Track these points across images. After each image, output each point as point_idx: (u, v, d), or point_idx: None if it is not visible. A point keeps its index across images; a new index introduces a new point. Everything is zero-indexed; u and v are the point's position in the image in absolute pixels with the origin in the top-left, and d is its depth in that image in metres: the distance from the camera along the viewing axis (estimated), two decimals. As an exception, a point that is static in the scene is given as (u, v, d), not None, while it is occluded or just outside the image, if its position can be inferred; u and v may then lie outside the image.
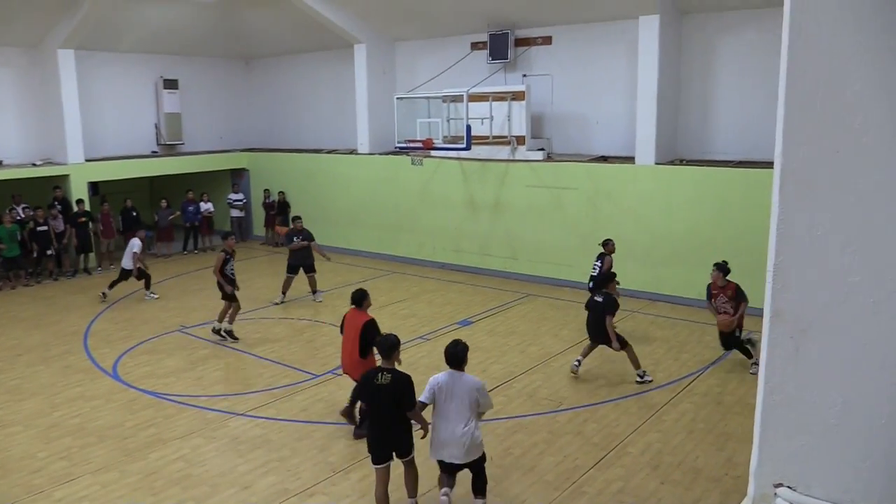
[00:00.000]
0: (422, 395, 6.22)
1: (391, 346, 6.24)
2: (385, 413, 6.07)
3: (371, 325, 7.78)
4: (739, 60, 12.74)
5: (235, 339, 11.31)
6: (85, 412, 8.75)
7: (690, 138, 13.54)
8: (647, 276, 13.17)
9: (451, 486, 6.34)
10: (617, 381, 9.46)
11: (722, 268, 9.59)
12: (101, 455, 7.62)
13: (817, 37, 2.34)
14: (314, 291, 13.86)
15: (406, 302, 13.48)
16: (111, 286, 13.95)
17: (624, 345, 9.25)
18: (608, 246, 11.44)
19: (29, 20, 15.64)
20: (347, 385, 9.41)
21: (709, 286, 9.77)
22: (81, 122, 16.78)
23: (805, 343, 2.48)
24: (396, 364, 6.36)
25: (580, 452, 7.51)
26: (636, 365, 9.32)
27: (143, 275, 14.11)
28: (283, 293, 13.66)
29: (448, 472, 6.31)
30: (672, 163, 13.13)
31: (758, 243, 11.49)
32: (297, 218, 14.21)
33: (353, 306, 8.07)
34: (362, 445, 7.67)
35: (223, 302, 11.49)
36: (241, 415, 8.59)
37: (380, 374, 6.08)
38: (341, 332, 8.22)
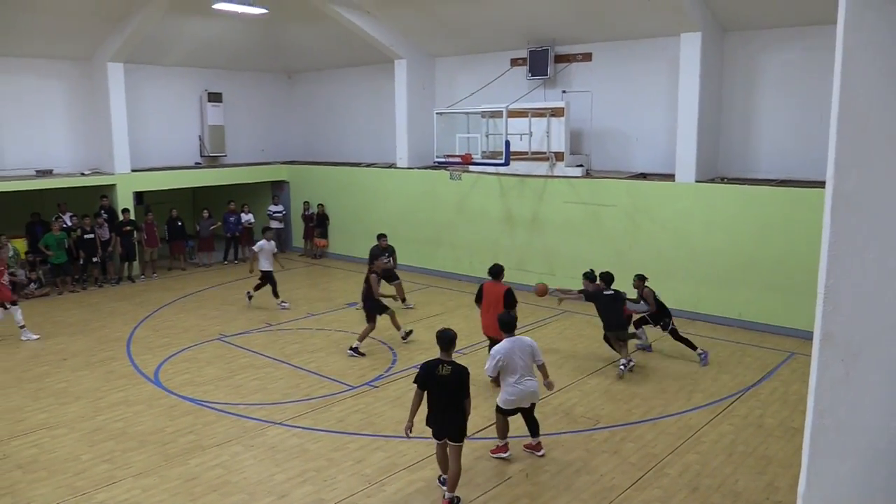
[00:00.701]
0: (488, 369, 7.52)
1: (450, 340, 6.82)
2: (445, 400, 6.70)
3: (510, 293, 9.74)
4: (783, 78, 12.59)
5: (362, 354, 11.29)
6: (127, 417, 8.93)
7: (732, 156, 13.40)
8: (686, 294, 13.02)
9: None
10: (655, 400, 9.35)
11: (589, 276, 11.30)
12: (141, 459, 7.77)
13: (870, 60, 2.33)
14: (403, 300, 14.05)
15: (442, 316, 13.50)
16: (256, 289, 14.20)
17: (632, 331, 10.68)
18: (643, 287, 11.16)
19: (81, 35, 16.15)
20: (383, 397, 9.47)
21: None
22: (128, 134, 17.21)
23: (856, 367, 2.45)
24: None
25: (617, 472, 7.44)
26: (625, 354, 10.32)
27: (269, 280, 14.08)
28: (403, 300, 14.07)
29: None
30: (713, 181, 12.99)
31: (802, 263, 11.34)
32: (382, 235, 14.12)
33: (492, 279, 10.12)
34: (398, 458, 7.73)
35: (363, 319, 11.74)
36: (279, 424, 8.68)
37: (441, 366, 6.69)
38: (478, 302, 10.10)
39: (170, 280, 17.16)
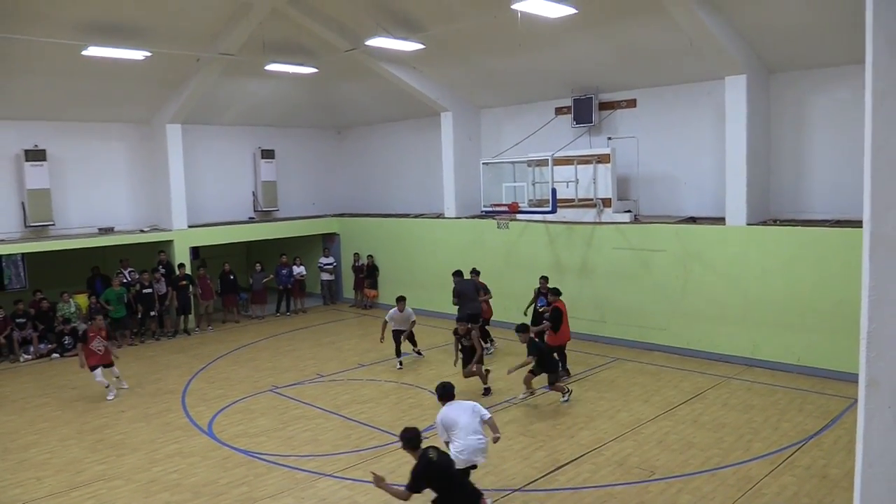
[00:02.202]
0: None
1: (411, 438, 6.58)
2: (456, 483, 6.62)
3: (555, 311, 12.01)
4: (832, 117, 12.39)
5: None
6: (182, 468, 9.06)
7: (783, 198, 13.16)
8: (742, 340, 12.69)
9: None
10: (712, 450, 9.07)
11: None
12: (195, 512, 7.85)
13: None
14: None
15: (493, 365, 13.41)
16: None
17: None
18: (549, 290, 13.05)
19: (142, 99, 16.95)
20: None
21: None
22: (185, 191, 17.85)
23: (905, 413, 2.37)
24: None
25: (673, 525, 7.20)
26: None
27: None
28: (491, 341, 14.52)
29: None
30: (765, 223, 12.76)
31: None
32: (474, 271, 14.91)
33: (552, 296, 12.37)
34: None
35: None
36: (330, 475, 8.69)
37: (431, 451, 6.53)
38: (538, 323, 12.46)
39: (224, 333, 17.51)
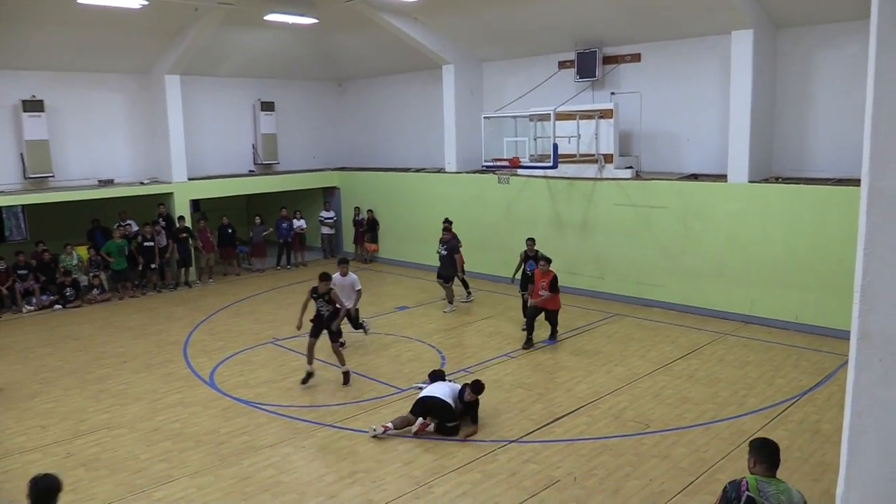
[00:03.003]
0: None
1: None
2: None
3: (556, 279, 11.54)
4: (840, 74, 12.23)
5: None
6: (184, 418, 9.20)
7: (786, 156, 13.08)
8: (740, 297, 12.76)
9: None
10: (707, 404, 9.19)
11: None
12: (197, 459, 7.99)
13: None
14: (449, 302, 14.34)
15: (491, 319, 13.52)
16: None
17: None
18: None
19: (139, 49, 16.72)
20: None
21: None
22: (185, 143, 17.73)
23: (895, 366, 2.39)
24: None
25: (667, 477, 7.34)
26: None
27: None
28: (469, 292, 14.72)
29: None
30: (767, 181, 12.70)
31: (860, 265, 10.98)
32: (445, 223, 14.73)
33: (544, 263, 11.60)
34: (447, 460, 7.78)
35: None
36: (329, 426, 8.82)
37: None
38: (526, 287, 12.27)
39: (224, 285, 17.59)
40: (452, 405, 8.47)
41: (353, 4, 15.45)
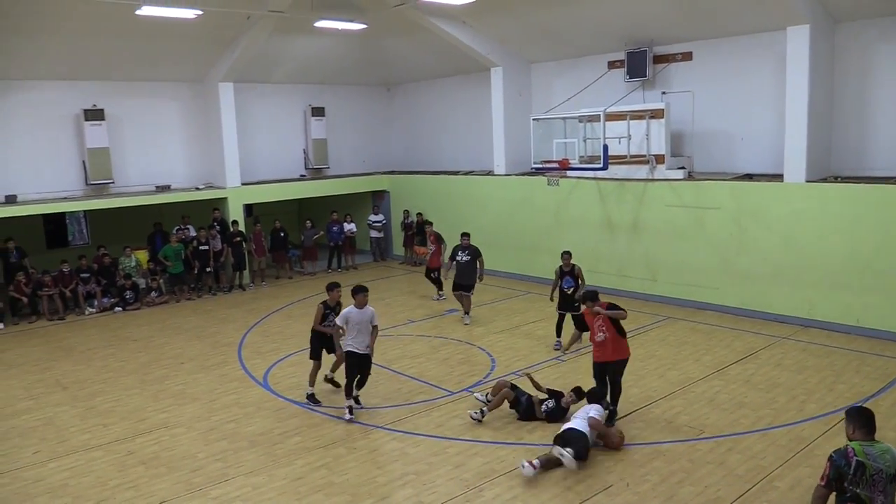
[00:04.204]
0: None
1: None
2: None
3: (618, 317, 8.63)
4: (902, 69, 11.82)
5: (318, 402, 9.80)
6: (239, 418, 9.38)
7: (846, 154, 12.68)
8: (798, 300, 12.42)
9: None
10: (763, 410, 8.97)
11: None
12: (252, 459, 8.14)
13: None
14: (466, 312, 13.76)
15: (541, 322, 13.43)
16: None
17: None
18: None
19: (194, 58, 17.17)
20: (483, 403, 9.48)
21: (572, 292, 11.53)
22: (238, 149, 18.11)
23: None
24: None
25: (722, 483, 7.18)
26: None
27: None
28: (466, 313, 13.75)
29: None
30: (825, 180, 12.34)
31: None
32: (465, 234, 14.13)
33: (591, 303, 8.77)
34: (497, 464, 7.77)
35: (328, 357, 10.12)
36: (380, 427, 8.89)
37: None
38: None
39: (277, 288, 17.89)
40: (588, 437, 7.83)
41: (402, 9, 15.56)
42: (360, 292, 8.90)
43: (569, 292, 11.58)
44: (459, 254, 13.67)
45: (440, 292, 15.62)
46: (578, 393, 8.82)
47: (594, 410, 8.10)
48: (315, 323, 9.79)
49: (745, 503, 6.81)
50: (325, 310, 9.75)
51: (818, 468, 7.32)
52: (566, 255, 11.81)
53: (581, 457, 7.58)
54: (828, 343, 11.49)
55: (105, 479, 7.79)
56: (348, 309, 8.92)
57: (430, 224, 17.24)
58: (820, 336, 11.86)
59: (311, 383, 9.90)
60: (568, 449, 7.48)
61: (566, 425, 8.01)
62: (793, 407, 9.03)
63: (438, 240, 15.63)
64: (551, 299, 12.01)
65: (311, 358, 9.93)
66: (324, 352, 9.95)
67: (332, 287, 9.84)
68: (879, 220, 11.35)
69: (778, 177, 12.77)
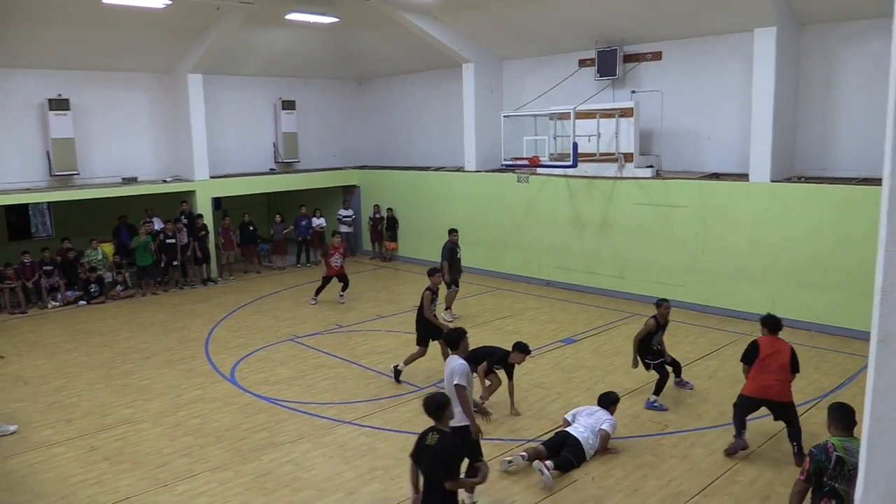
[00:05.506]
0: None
1: (437, 406, 5.30)
2: (427, 478, 5.27)
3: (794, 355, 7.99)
4: (864, 72, 12.07)
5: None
6: (205, 413, 9.30)
7: (810, 154, 12.94)
8: (761, 297, 12.64)
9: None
10: (726, 405, 9.11)
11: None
12: (218, 454, 8.08)
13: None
14: (448, 308, 13.64)
15: (510, 318, 13.51)
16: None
17: None
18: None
19: (163, 49, 16.91)
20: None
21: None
22: (206, 142, 17.90)
23: (917, 369, 2.38)
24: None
25: (686, 477, 7.31)
26: None
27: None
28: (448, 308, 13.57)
29: None
30: (789, 180, 12.58)
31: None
32: (453, 231, 14.09)
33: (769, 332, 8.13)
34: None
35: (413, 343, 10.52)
36: (348, 423, 8.88)
37: (430, 434, 5.28)
38: (749, 362, 8.03)
39: (245, 283, 17.74)
40: (585, 447, 7.67)
41: (374, 3, 15.51)
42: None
43: (657, 349, 9.39)
44: (459, 250, 13.96)
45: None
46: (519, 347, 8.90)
47: (607, 423, 7.90)
48: (425, 310, 10.14)
49: (707, 496, 6.93)
50: (431, 295, 10.23)
51: (780, 462, 7.53)
52: (663, 303, 9.43)
53: (562, 468, 7.42)
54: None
55: (68, 474, 7.68)
56: (456, 364, 6.74)
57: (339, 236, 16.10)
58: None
59: (406, 363, 10.25)
60: (548, 462, 7.31)
61: (566, 428, 7.90)
62: (755, 402, 9.18)
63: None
64: (634, 362, 9.48)
65: (417, 345, 10.31)
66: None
67: (434, 272, 10.55)
68: (841, 221, 11.61)
69: (744, 176, 12.99)
